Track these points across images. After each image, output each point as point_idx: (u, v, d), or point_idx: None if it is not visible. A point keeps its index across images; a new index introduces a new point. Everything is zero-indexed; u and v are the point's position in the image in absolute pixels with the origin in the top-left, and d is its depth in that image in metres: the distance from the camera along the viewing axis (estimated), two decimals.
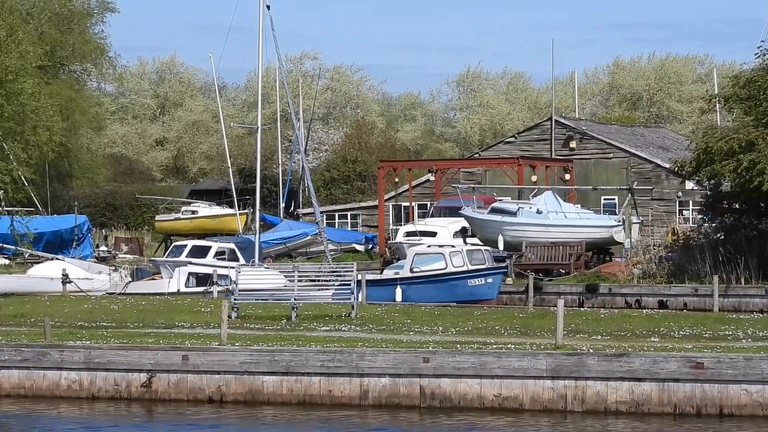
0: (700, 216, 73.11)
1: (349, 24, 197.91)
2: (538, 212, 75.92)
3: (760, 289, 58.72)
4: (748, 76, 67.64)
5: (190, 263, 66.33)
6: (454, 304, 54.04)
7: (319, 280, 55.02)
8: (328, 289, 51.58)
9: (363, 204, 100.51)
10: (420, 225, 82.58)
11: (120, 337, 39.11)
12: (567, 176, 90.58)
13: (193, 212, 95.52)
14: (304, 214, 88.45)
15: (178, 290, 59.45)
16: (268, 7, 74.54)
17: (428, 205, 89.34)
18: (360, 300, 49.43)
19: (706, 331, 39.63)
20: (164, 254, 75.04)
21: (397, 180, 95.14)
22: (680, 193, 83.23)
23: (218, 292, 53.66)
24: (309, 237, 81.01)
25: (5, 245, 69.55)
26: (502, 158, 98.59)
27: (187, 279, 62.39)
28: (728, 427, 30.96)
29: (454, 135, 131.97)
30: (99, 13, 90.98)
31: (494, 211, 77.52)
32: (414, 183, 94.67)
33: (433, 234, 76.29)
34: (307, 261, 72.74)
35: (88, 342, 37.63)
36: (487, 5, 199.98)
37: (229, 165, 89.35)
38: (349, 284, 49.92)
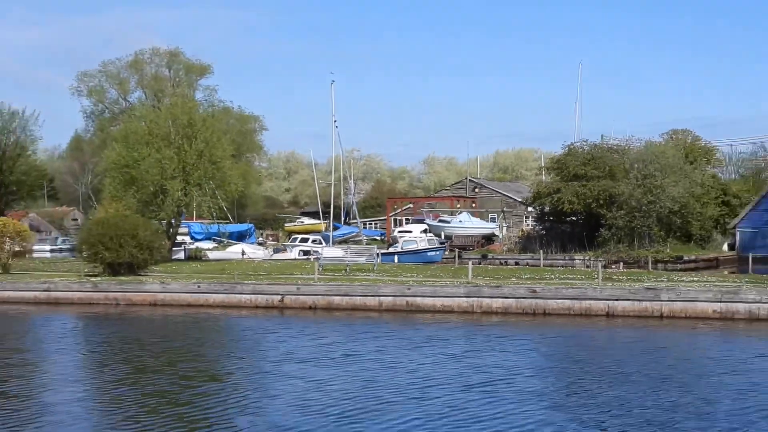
0: (534, 223, 72.69)
1: (375, 131, 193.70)
2: (460, 221, 76.01)
3: (562, 257, 58.67)
4: (558, 158, 67.74)
5: (301, 245, 66.25)
6: (421, 264, 53.82)
7: (359, 253, 55.45)
8: (363, 257, 51.76)
9: (380, 218, 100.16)
10: (404, 227, 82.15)
11: (269, 278, 38.87)
12: (473, 205, 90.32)
13: (302, 222, 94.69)
14: (353, 223, 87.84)
15: (295, 258, 59.12)
16: (336, 126, 74.65)
17: (409, 218, 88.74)
18: (378, 262, 49.52)
19: (537, 276, 39.15)
20: (289, 241, 74.84)
21: (396, 207, 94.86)
22: (526, 213, 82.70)
23: (314, 259, 53.63)
24: (355, 233, 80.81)
25: (216, 237, 69.30)
26: (444, 197, 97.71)
27: (299, 253, 62.30)
28: (549, 321, 30.88)
29: (423, 186, 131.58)
30: (259, 131, 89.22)
31: (440, 221, 77.52)
32: (403, 208, 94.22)
33: (410, 231, 76.10)
34: (354, 244, 72.57)
35: (253, 281, 37.72)
36: (442, 119, 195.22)
37: (318, 200, 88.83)
38: (373, 255, 50.09)
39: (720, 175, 79.52)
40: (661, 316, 30.69)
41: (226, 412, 16.85)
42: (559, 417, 16.12)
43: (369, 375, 20.49)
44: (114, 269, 41.64)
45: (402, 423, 15.58)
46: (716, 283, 34.23)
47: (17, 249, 47.93)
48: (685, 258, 57.75)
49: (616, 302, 31.62)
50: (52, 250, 69.39)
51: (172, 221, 56.82)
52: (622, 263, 52.38)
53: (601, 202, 60.00)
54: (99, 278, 40.60)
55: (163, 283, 38.58)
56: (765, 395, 17.89)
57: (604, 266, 43.84)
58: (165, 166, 52.80)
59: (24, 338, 29.27)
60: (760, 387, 18.82)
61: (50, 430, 15.46)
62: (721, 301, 30.61)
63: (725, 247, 64.63)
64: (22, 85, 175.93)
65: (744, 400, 17.37)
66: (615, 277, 38.20)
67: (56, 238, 79.04)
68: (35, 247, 61.31)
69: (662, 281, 35.29)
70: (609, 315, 31.16)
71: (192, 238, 70.38)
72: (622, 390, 18.60)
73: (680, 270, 50.32)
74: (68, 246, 70.32)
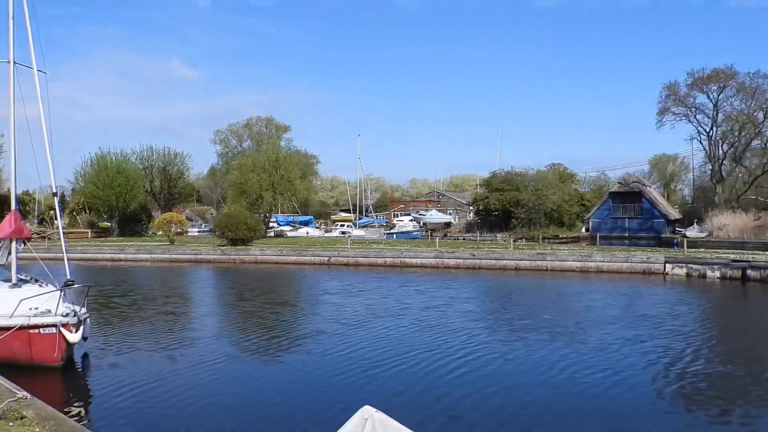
0: (474, 216, 72.05)
1: (382, 161, 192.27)
2: (431, 215, 75.25)
3: (490, 236, 58.06)
4: (487, 179, 66.86)
5: (340, 228, 66.04)
6: (409, 239, 53.55)
7: (373, 233, 55.41)
8: (376, 235, 51.69)
9: (385, 213, 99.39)
10: (399, 218, 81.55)
11: (322, 247, 38.38)
12: (438, 205, 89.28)
13: (340, 215, 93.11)
14: (369, 215, 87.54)
15: (337, 236, 59.12)
16: (360, 161, 74.49)
17: (401, 213, 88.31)
18: (384, 238, 49.41)
19: (475, 247, 38.95)
20: (333, 226, 74.62)
21: (394, 207, 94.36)
22: (469, 210, 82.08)
23: (347, 236, 53.80)
24: (371, 222, 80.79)
25: (291, 224, 69.16)
26: (422, 201, 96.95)
27: (339, 232, 62.25)
28: (481, 273, 30.59)
29: (410, 195, 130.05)
30: (315, 163, 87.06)
31: (419, 214, 76.69)
32: (398, 207, 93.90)
33: (402, 220, 75.57)
34: (370, 228, 72.39)
35: (312, 249, 37.29)
36: (420, 155, 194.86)
37: (350, 203, 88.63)
38: (382, 234, 49.97)
39: (579, 189, 79.78)
40: (546, 270, 30.65)
41: (288, 321, 17.32)
42: (477, 325, 16.38)
43: (370, 302, 20.65)
44: (233, 242, 41.74)
45: (384, 327, 15.99)
46: (578, 251, 34.29)
47: (179, 231, 48.16)
48: (560, 236, 57.89)
49: (520, 261, 31.57)
50: (198, 231, 69.47)
51: (266, 214, 56.92)
52: (524, 239, 52.19)
53: (512, 203, 60.18)
54: (225, 247, 40.63)
55: (261, 250, 38.58)
56: (594, 312, 18.21)
57: (514, 241, 43.63)
58: (262, 184, 53.04)
59: (180, 281, 29.39)
60: (593, 308, 19.11)
61: (187, 332, 15.64)
62: (580, 261, 30.69)
63: (583, 230, 64.62)
64: (182, 137, 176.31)
65: (583, 315, 17.77)
66: (520, 247, 38.03)
67: (201, 224, 79.14)
68: (189, 230, 61.40)
69: (547, 250, 35.27)
70: (516, 269, 31.01)
71: (277, 224, 70.31)
72: (518, 311, 18.79)
73: (557, 243, 50.25)
74: (207, 229, 70.33)
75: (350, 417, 4.53)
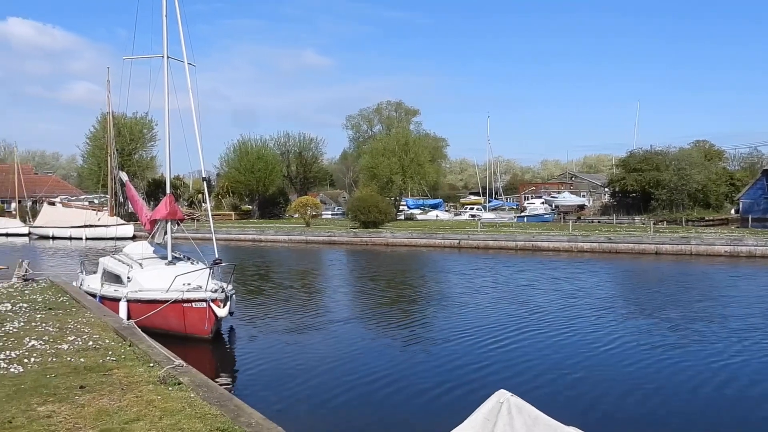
0: (609, 198, 68.66)
1: (512, 143, 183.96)
2: (564, 197, 72.62)
3: (627, 218, 55.26)
4: (624, 159, 63.71)
5: (470, 211, 64.51)
6: (540, 222, 51.81)
7: (503, 216, 53.99)
8: (506, 218, 50.30)
9: (515, 195, 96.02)
10: (530, 201, 78.82)
11: (452, 230, 38.15)
12: (571, 187, 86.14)
13: (470, 198, 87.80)
14: (499, 198, 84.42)
15: (467, 219, 58.16)
16: (489, 142, 72.89)
17: (531, 196, 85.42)
18: (514, 221, 47.86)
19: (611, 230, 37.20)
20: (463, 209, 73.40)
21: (525, 189, 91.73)
22: (604, 191, 78.25)
23: (477, 219, 52.51)
24: (501, 204, 78.06)
25: (421, 207, 68.89)
26: (553, 182, 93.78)
27: (469, 216, 61.14)
28: (619, 257, 29.04)
29: (540, 177, 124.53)
30: (444, 146, 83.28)
31: (551, 196, 74.24)
32: (529, 190, 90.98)
33: (534, 203, 73.15)
34: (500, 211, 70.38)
35: (442, 232, 36.97)
36: (552, 135, 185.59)
37: (479, 185, 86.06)
38: (512, 217, 48.53)
39: (727, 167, 73.89)
40: (691, 254, 28.71)
41: (418, 302, 17.23)
42: (599, 304, 15.42)
43: (493, 278, 20.43)
44: (365, 225, 42.47)
45: (495, 299, 15.83)
46: (727, 234, 31.70)
47: (313, 213, 49.95)
48: (706, 219, 53.98)
49: (661, 245, 29.81)
50: (332, 214, 71.66)
51: (397, 198, 57.55)
52: (665, 222, 49.04)
53: (652, 184, 56.74)
54: (357, 230, 41.45)
55: (392, 232, 39.00)
56: (744, 299, 16.64)
57: (654, 224, 41.03)
58: (392, 167, 53.72)
59: (316, 261, 30.36)
60: (751, 290, 17.41)
61: (322, 309, 15.95)
62: (729, 245, 28.48)
63: (732, 211, 59.58)
64: (313, 124, 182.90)
65: (734, 300, 16.23)
66: (661, 230, 35.80)
67: (334, 207, 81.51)
68: (323, 213, 63.56)
69: (691, 233, 32.87)
70: (657, 254, 29.31)
71: (407, 207, 70.71)
72: (660, 293, 17.62)
73: (702, 226, 46.70)
74: (340, 212, 72.33)
75: (484, 400, 4.37)
